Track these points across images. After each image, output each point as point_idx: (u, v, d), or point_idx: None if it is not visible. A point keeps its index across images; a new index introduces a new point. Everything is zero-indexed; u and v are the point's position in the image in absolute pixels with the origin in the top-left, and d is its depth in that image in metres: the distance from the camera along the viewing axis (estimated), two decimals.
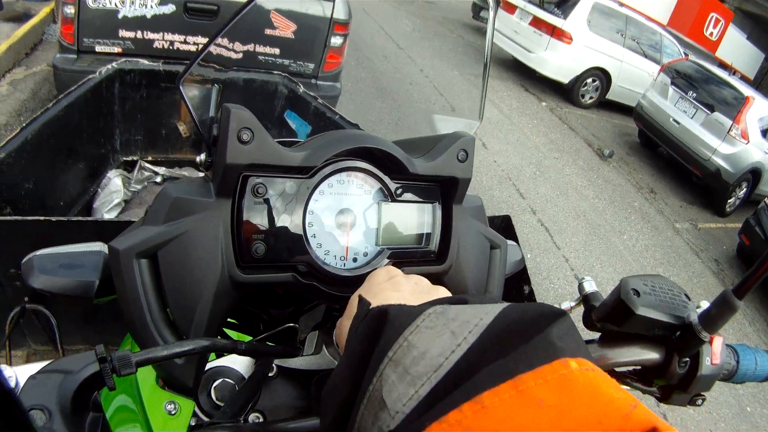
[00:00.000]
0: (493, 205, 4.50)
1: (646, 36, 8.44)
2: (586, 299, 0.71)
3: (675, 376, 0.66)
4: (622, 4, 8.15)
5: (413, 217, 0.64)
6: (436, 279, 0.63)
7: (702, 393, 0.67)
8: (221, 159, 0.53)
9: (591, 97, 8.15)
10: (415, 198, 0.64)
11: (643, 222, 5.54)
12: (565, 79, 7.83)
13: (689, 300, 0.65)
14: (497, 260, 0.71)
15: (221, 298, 0.54)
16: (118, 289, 0.52)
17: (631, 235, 5.14)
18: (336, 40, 3.43)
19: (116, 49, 3.38)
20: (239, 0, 3.35)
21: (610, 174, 6.36)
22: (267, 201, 0.56)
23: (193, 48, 3.36)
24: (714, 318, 0.60)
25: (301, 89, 2.36)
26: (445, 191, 0.66)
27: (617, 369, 0.68)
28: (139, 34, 3.31)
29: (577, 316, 0.58)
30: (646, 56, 8.31)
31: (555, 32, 7.62)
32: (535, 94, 7.86)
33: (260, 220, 0.56)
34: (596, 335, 0.69)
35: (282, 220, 0.56)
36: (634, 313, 0.60)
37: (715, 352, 0.65)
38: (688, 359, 0.65)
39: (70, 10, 3.25)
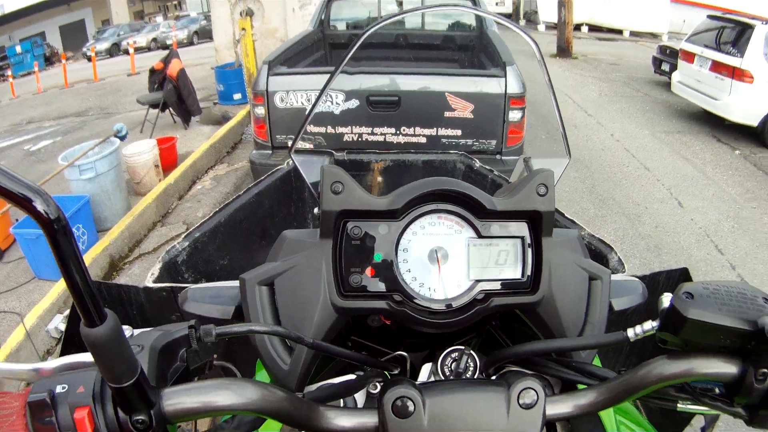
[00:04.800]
0: (690, 264, 4.07)
1: None
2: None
3: (756, 393, 0.56)
4: None
5: (502, 252, 0.68)
6: (529, 310, 0.68)
7: None
8: (321, 207, 0.64)
9: None
10: (503, 234, 0.68)
11: None
12: (754, 122, 7.04)
13: None
14: (598, 291, 0.72)
15: (325, 321, 0.64)
16: (245, 310, 0.65)
17: None
18: (515, 115, 3.39)
19: (308, 145, 3.69)
20: (418, 90, 3.54)
21: None
22: (362, 240, 0.65)
23: (380, 138, 3.55)
24: None
25: (477, 164, 2.34)
26: (532, 226, 0.69)
27: (696, 386, 0.62)
28: (329, 129, 3.59)
29: None
30: None
31: (735, 73, 6.96)
32: (727, 143, 7.19)
33: (357, 257, 0.65)
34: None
35: (377, 257, 0.65)
36: (685, 317, 0.54)
37: None
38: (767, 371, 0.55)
39: (260, 110, 3.64)
